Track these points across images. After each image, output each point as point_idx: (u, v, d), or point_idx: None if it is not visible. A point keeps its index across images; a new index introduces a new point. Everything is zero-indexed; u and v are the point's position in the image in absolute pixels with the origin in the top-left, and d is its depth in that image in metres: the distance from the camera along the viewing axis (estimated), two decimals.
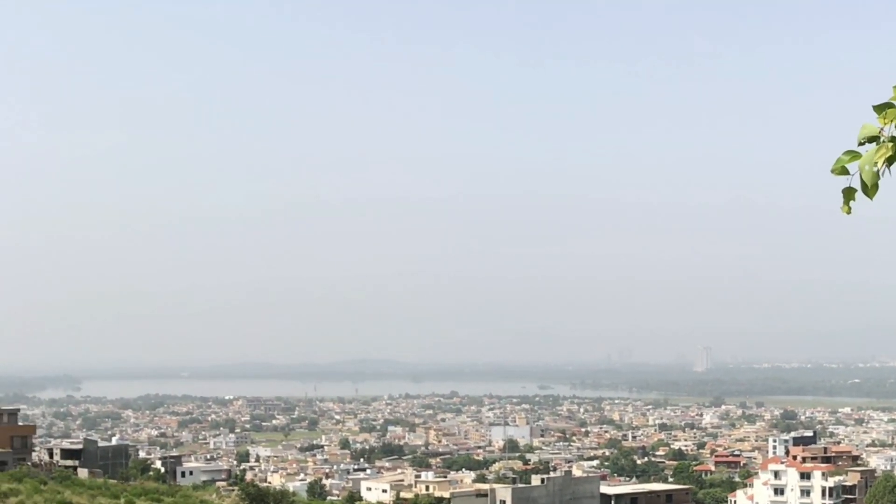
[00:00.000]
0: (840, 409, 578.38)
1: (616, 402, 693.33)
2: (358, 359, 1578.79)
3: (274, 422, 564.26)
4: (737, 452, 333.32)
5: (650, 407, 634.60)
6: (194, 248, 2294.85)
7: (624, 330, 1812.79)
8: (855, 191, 9.81)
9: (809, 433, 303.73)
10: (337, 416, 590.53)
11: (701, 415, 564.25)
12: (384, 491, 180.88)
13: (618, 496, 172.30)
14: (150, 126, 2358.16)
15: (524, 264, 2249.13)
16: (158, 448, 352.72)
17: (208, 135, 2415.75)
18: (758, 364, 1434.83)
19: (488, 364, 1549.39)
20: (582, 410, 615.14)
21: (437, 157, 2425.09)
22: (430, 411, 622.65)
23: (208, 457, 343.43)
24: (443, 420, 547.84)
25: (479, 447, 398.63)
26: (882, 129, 9.62)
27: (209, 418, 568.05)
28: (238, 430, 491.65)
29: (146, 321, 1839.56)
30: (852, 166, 9.72)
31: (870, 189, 9.65)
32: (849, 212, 10.02)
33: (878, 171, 9.62)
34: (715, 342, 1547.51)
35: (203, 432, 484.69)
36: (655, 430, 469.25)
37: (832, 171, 9.81)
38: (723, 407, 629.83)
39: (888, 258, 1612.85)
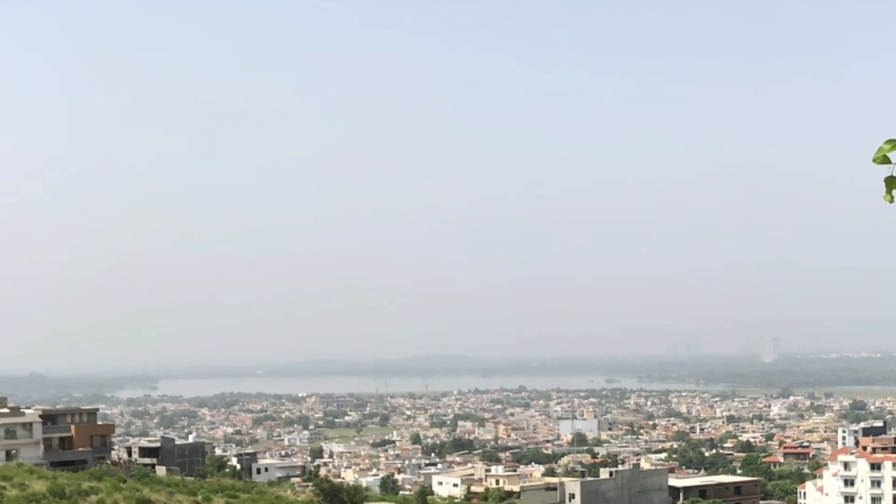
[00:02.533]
0: None
1: (683, 394, 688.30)
2: (428, 355, 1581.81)
3: (346, 418, 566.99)
4: (805, 444, 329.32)
5: (718, 399, 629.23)
6: (266, 251, 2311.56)
7: (690, 322, 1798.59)
8: None
9: (879, 423, 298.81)
10: (408, 412, 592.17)
11: (769, 406, 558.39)
12: (455, 485, 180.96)
13: (686, 489, 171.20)
14: (217, 131, 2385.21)
15: (588, 259, 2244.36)
16: (234, 445, 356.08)
17: (279, 140, 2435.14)
18: (826, 354, 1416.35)
19: (555, 358, 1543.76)
20: (649, 403, 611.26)
21: (496, 162, 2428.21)
22: (499, 406, 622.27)
23: (283, 453, 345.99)
24: (511, 414, 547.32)
25: (548, 441, 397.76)
26: None
27: (283, 415, 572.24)
28: (311, 427, 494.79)
29: (220, 322, 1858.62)
30: (894, 155, 9.62)
31: None
32: (892, 201, 9.87)
33: None
34: (782, 333, 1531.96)
35: (277, 429, 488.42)
36: (723, 422, 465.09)
37: (874, 161, 9.72)
38: (791, 398, 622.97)
39: None
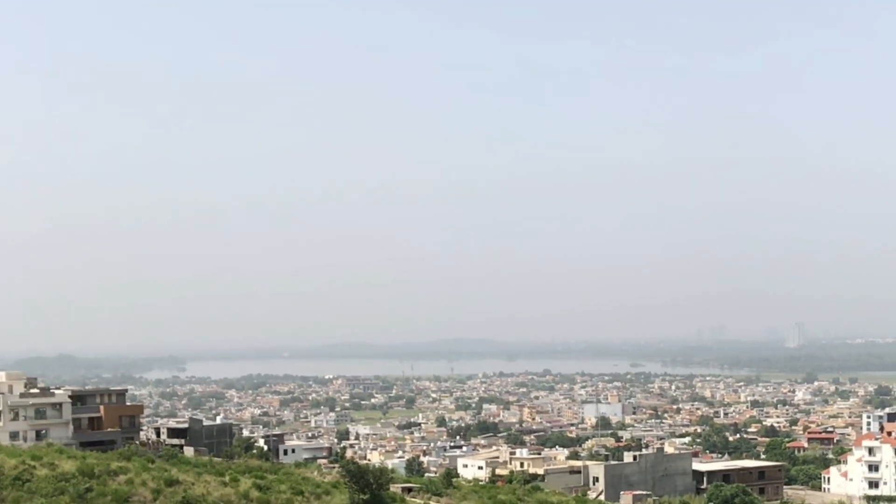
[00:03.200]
0: None
1: (707, 378, 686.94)
2: (453, 338, 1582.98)
3: (372, 400, 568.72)
4: (830, 429, 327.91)
5: (742, 384, 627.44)
6: (295, 231, 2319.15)
7: (715, 306, 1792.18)
8: None
9: None
10: (433, 395, 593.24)
11: (793, 391, 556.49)
12: (480, 468, 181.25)
13: (710, 473, 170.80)
14: (251, 106, 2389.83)
15: (611, 241, 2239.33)
16: (261, 427, 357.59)
17: (305, 121, 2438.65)
18: (851, 339, 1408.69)
19: (580, 342, 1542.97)
20: (673, 388, 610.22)
21: (506, 141, 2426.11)
22: (524, 389, 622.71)
23: (310, 435, 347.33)
24: (536, 398, 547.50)
25: (572, 424, 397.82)
26: None
27: (310, 397, 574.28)
28: (338, 409, 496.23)
29: (248, 303, 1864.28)
30: None
31: None
32: None
33: None
34: (807, 318, 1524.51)
35: (304, 411, 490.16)
36: (747, 407, 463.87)
37: None
38: (815, 383, 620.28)
39: None
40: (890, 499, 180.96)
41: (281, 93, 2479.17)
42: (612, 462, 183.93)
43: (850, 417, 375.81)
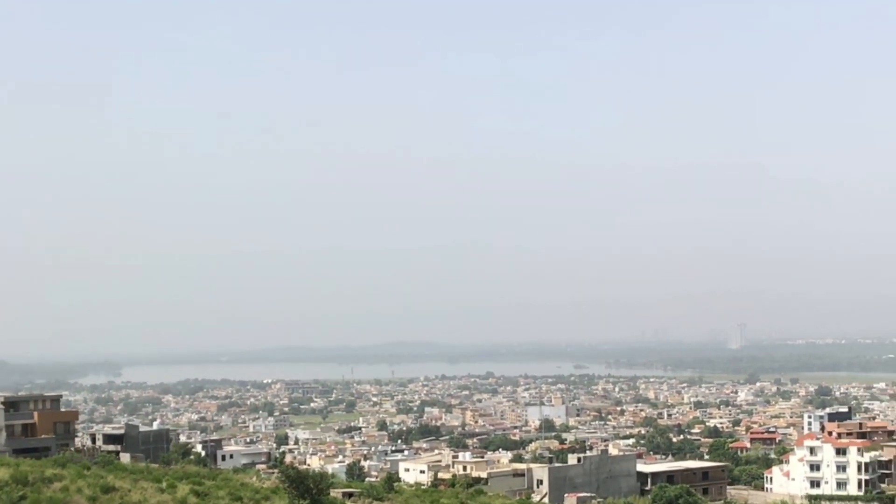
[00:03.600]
0: (875, 385, 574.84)
1: (651, 380, 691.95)
2: (394, 341, 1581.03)
3: (312, 405, 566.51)
4: (772, 429, 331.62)
5: (685, 385, 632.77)
6: (231, 234, 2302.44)
7: (658, 308, 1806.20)
8: None
9: (844, 409, 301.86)
10: (374, 398, 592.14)
11: (736, 392, 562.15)
12: (422, 472, 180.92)
13: (654, 474, 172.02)
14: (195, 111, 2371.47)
15: (556, 241, 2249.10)
16: (199, 432, 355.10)
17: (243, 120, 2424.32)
18: (792, 341, 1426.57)
19: (523, 344, 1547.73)
20: (617, 389, 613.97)
21: (462, 138, 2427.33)
22: (467, 392, 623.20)
23: (248, 440, 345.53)
24: (479, 401, 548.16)
25: (516, 427, 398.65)
26: None
27: (248, 402, 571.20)
28: (277, 414, 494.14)
29: (184, 307, 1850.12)
30: None
31: None
32: None
33: None
34: (749, 319, 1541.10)
35: (242, 416, 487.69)
36: (691, 408, 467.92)
37: None
38: (758, 384, 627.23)
39: None
40: (831, 498, 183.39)
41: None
42: (556, 464, 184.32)
43: (791, 417, 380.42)
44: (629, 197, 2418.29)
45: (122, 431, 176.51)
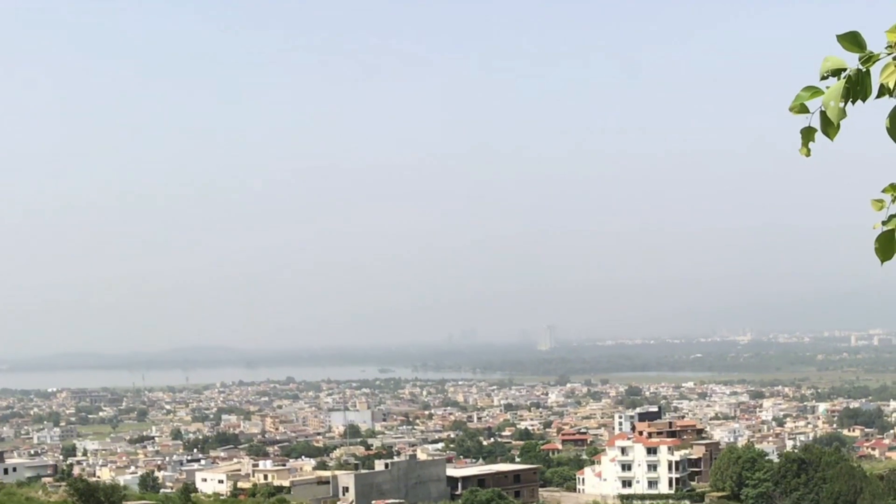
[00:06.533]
0: (683, 384, 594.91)
1: (460, 383, 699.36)
2: (188, 346, 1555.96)
3: (101, 414, 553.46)
4: (583, 430, 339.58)
5: (495, 387, 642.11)
6: (12, 241, 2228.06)
7: (466, 309, 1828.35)
8: (815, 131, 9.03)
9: (654, 408, 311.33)
10: (167, 406, 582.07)
11: (546, 394, 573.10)
12: (220, 482, 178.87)
13: (465, 478, 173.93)
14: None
15: (354, 244, 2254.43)
16: None
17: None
18: (601, 342, 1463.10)
19: (326, 348, 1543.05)
20: (425, 393, 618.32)
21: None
22: (266, 398, 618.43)
23: (32, 452, 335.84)
24: (279, 407, 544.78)
25: (319, 434, 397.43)
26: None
27: (32, 412, 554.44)
28: (63, 424, 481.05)
29: None
30: (812, 103, 8.95)
31: (833, 128, 8.89)
32: (808, 154, 9.20)
33: (843, 107, 8.79)
34: (558, 320, 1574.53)
35: (26, 427, 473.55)
36: (501, 411, 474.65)
37: (790, 110, 9.01)
38: (568, 385, 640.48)
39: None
40: (643, 497, 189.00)
41: None
42: (363, 471, 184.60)
43: (602, 418, 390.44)
44: (421, 195, 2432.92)
45: None
